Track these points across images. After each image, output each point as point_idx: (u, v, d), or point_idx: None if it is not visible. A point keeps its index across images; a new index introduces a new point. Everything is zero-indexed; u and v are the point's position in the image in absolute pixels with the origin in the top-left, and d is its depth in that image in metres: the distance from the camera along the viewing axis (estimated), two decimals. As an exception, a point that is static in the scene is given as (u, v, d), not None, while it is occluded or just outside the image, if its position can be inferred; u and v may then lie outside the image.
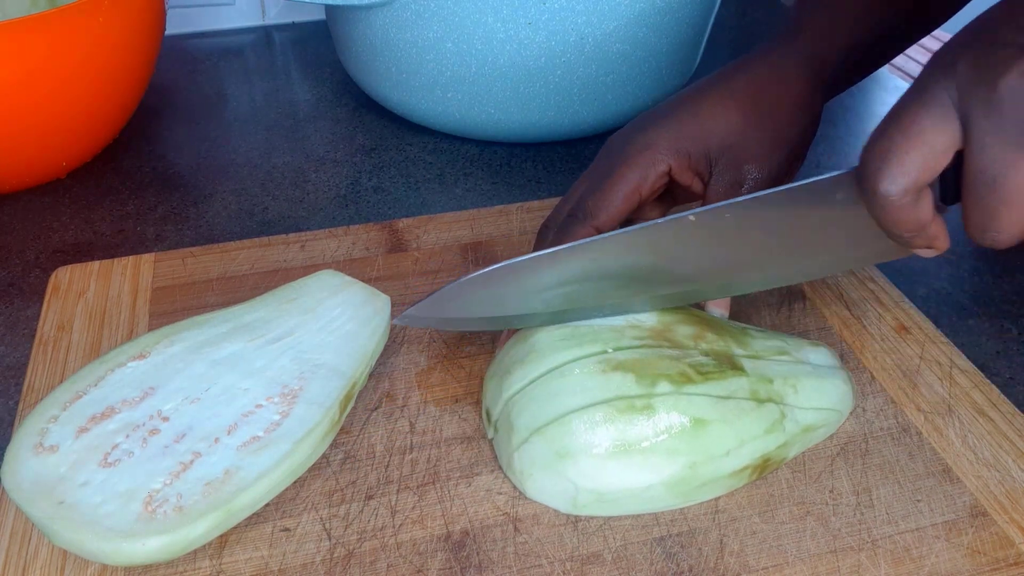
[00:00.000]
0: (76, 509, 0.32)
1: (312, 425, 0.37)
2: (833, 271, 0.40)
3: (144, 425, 0.35)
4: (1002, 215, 0.31)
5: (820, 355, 0.41)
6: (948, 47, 0.32)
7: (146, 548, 0.32)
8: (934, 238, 0.34)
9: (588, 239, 0.39)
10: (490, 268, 0.39)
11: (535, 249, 0.43)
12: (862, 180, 0.34)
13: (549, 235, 0.43)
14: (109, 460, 0.34)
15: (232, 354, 0.39)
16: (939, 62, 0.32)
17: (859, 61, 0.48)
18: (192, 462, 0.35)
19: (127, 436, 0.35)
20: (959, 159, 0.32)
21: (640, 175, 0.42)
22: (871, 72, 0.51)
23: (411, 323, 0.42)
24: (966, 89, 0.31)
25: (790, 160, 0.44)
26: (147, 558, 0.32)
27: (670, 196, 0.45)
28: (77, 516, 0.32)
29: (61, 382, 0.37)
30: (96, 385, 0.36)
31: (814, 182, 0.36)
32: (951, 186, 0.33)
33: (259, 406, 0.37)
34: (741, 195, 0.40)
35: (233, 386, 0.38)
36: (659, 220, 0.38)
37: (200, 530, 0.33)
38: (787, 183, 0.38)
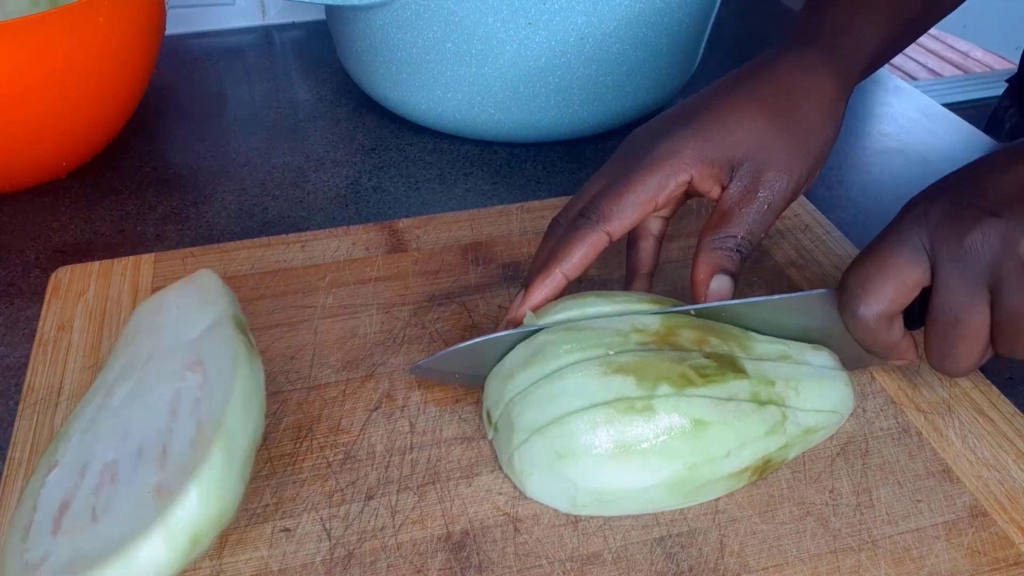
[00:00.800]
0: (103, 553, 0.31)
1: (233, 352, 0.36)
2: None
3: (102, 480, 0.34)
4: (959, 349, 0.37)
5: (821, 357, 0.41)
6: (921, 197, 0.38)
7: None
8: (904, 352, 0.39)
9: (588, 322, 0.39)
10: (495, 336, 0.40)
11: (542, 244, 0.43)
12: (842, 302, 0.38)
13: (559, 230, 0.42)
14: (97, 516, 0.32)
15: (124, 396, 0.37)
16: (913, 210, 0.37)
17: (881, 56, 0.48)
18: (166, 463, 0.33)
19: (96, 495, 0.33)
20: (924, 294, 0.37)
21: (660, 182, 0.41)
22: (884, 64, 0.51)
23: (422, 374, 0.43)
24: (936, 239, 0.36)
25: (812, 170, 0.43)
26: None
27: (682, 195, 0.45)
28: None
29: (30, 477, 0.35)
30: (36, 509, 0.34)
31: (799, 297, 0.40)
32: (916, 316, 0.38)
33: (178, 390, 0.36)
34: (756, 203, 0.42)
35: (145, 404, 0.36)
36: (661, 310, 0.40)
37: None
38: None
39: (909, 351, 0.39)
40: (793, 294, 0.40)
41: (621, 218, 0.40)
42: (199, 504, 0.31)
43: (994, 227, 0.35)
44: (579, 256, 0.40)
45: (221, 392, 0.35)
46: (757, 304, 0.40)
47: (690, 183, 0.42)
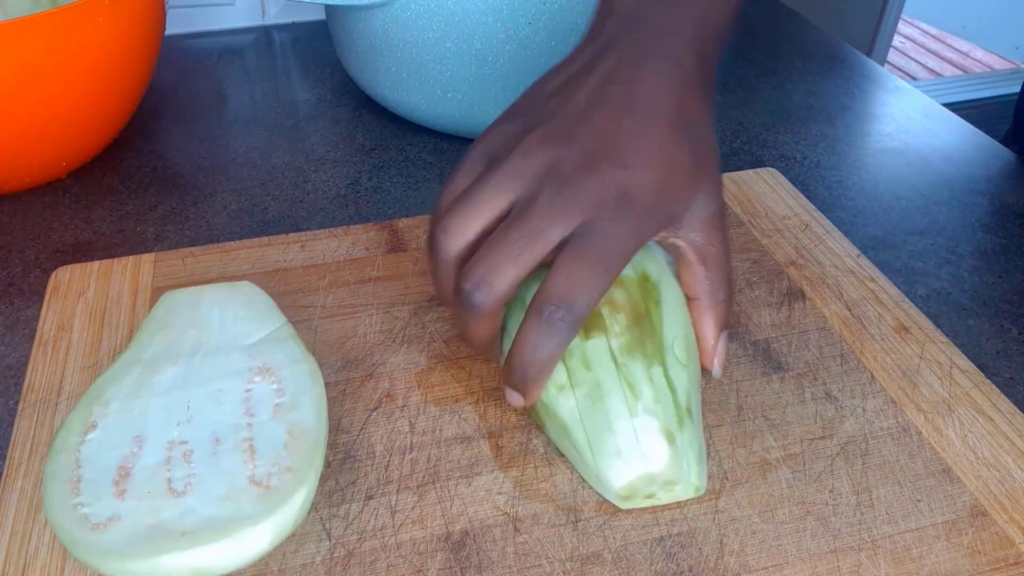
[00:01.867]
0: (207, 528, 0.33)
1: (310, 369, 0.39)
2: None
3: (172, 456, 0.35)
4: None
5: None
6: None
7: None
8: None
9: None
10: None
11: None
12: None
13: (476, 324, 0.38)
14: (176, 489, 0.34)
15: (173, 378, 0.39)
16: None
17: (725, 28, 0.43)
18: (250, 450, 0.35)
19: (169, 469, 0.35)
20: None
21: (624, 265, 0.37)
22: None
23: None
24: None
25: (721, 184, 0.41)
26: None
27: None
28: (217, 530, 0.33)
29: (52, 439, 0.36)
30: (80, 466, 0.35)
31: None
32: None
33: (248, 390, 0.38)
34: (717, 251, 0.39)
35: (207, 393, 0.38)
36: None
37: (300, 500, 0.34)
38: None
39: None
40: None
41: (592, 307, 0.36)
42: (301, 507, 0.34)
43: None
44: (557, 359, 0.37)
45: (311, 407, 0.37)
46: None
47: None
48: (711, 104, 0.41)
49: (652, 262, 0.42)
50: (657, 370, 0.38)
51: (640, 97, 0.39)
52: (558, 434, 0.39)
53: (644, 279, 0.41)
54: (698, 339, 0.41)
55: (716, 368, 0.41)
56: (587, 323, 0.39)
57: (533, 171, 0.37)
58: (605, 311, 0.39)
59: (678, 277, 0.41)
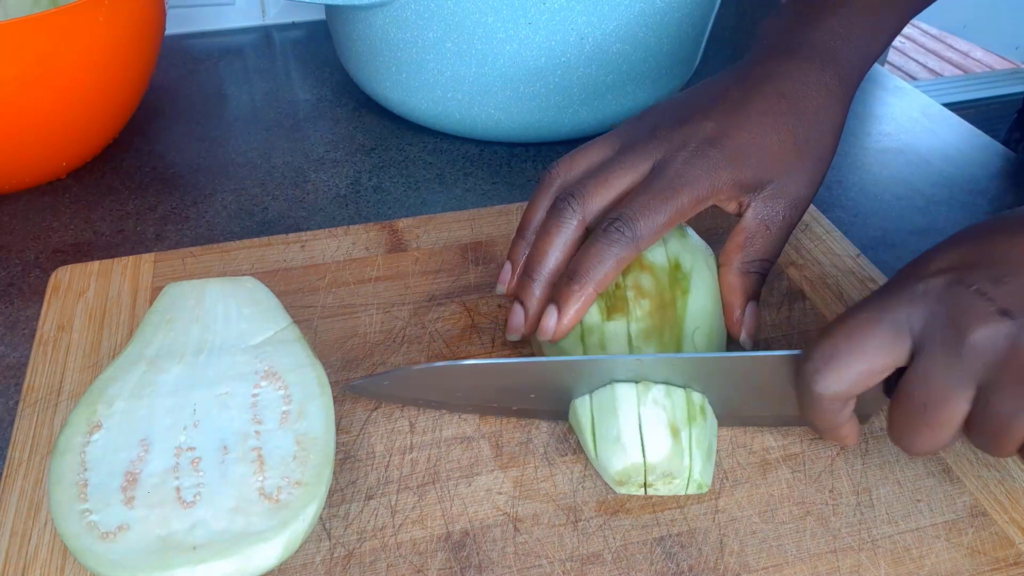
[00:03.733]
0: (218, 543, 0.32)
1: (317, 377, 0.39)
2: (758, 424, 0.41)
3: (179, 463, 0.35)
4: (923, 435, 0.33)
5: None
6: (922, 267, 0.34)
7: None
8: (845, 437, 0.36)
9: (544, 360, 0.38)
10: (441, 365, 0.39)
11: (553, 211, 0.42)
12: (801, 372, 0.35)
13: (572, 215, 0.41)
14: (185, 499, 0.34)
15: (178, 378, 0.39)
16: (909, 281, 0.33)
17: (877, 55, 0.47)
18: (259, 460, 0.35)
19: (177, 476, 0.35)
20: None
21: (694, 204, 0.40)
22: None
23: (358, 392, 0.41)
24: (933, 325, 0.32)
25: (815, 191, 0.44)
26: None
27: None
28: (227, 543, 0.32)
29: (51, 449, 0.36)
30: (86, 468, 0.35)
31: (765, 356, 0.37)
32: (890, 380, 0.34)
33: (255, 395, 0.38)
34: (778, 225, 0.42)
35: (214, 396, 0.38)
36: (612, 357, 0.38)
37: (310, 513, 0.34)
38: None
39: (851, 437, 0.37)
40: (759, 353, 0.37)
41: (652, 238, 0.40)
42: (311, 523, 0.34)
43: (1004, 329, 0.31)
44: (613, 273, 0.40)
45: (319, 416, 0.37)
46: (721, 360, 0.38)
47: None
48: (841, 113, 0.44)
49: (688, 253, 0.42)
50: None
51: (761, 77, 0.43)
52: (572, 412, 0.39)
53: (676, 268, 0.41)
54: (724, 308, 0.42)
55: (744, 337, 0.43)
56: (611, 305, 0.40)
57: (644, 130, 0.43)
58: (631, 295, 0.40)
59: (723, 246, 0.43)
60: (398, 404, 0.42)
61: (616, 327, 0.40)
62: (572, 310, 0.40)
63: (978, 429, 0.33)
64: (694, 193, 0.40)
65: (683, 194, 0.40)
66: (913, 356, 0.33)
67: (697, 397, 0.38)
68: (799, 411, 0.36)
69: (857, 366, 0.33)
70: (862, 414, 0.37)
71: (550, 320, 0.40)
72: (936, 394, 0.32)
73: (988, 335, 0.31)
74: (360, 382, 0.40)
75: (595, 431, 0.38)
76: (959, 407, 0.32)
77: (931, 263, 0.34)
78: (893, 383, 0.34)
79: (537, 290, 0.41)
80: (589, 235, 0.41)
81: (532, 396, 0.39)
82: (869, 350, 0.33)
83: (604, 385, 0.38)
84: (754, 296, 0.43)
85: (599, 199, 0.41)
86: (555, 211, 0.42)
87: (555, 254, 0.41)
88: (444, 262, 0.51)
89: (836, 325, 0.34)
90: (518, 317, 0.42)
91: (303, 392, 0.38)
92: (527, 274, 0.42)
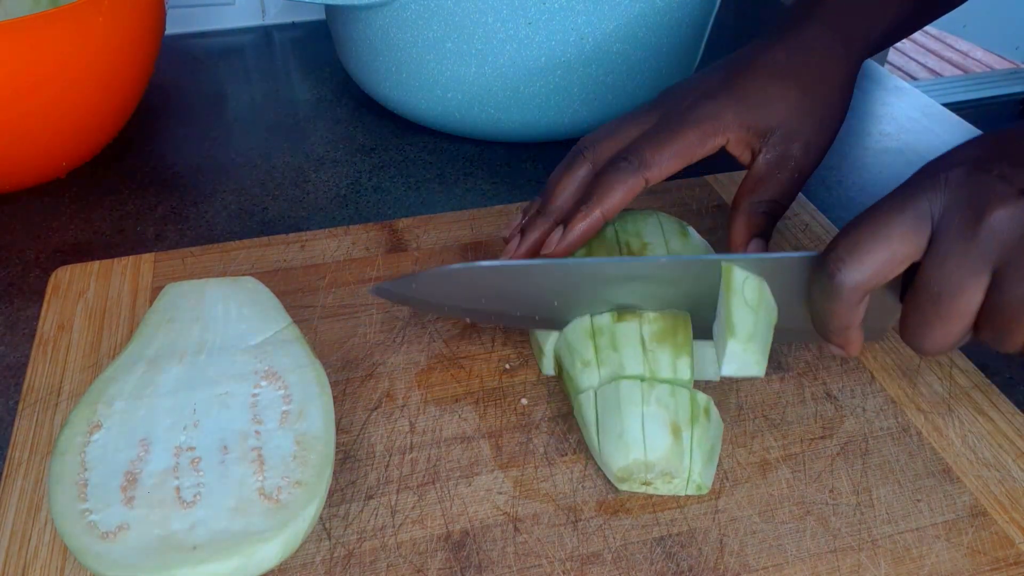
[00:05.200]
0: (218, 543, 0.32)
1: (317, 376, 0.39)
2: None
3: (179, 463, 0.35)
4: (935, 329, 0.34)
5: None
6: (942, 163, 0.34)
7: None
8: (853, 342, 0.37)
9: (570, 261, 0.40)
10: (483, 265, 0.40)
11: (566, 173, 0.43)
12: (823, 263, 0.36)
13: (583, 164, 0.43)
14: (185, 499, 0.34)
15: (178, 378, 0.39)
16: (930, 172, 0.34)
17: (889, 36, 0.49)
18: (259, 460, 0.35)
19: (177, 476, 0.35)
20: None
21: (700, 140, 0.42)
22: (899, 40, 0.52)
23: (384, 295, 0.42)
24: (953, 207, 0.33)
25: (829, 142, 0.45)
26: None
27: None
28: (229, 543, 0.33)
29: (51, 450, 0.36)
30: (86, 468, 0.35)
31: (785, 258, 0.38)
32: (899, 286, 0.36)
33: (255, 395, 0.38)
34: (788, 170, 0.43)
35: (213, 396, 0.38)
36: (634, 259, 0.40)
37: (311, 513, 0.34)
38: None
39: (856, 343, 0.37)
40: (779, 254, 0.38)
41: (660, 167, 0.41)
42: (310, 523, 0.34)
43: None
44: (619, 199, 0.41)
45: (318, 416, 0.37)
46: (739, 260, 0.39)
47: (725, 145, 0.43)
48: (846, 71, 0.45)
49: (691, 253, 0.44)
50: (684, 361, 0.39)
51: (766, 44, 0.45)
52: (578, 407, 0.40)
53: None
54: (729, 246, 0.43)
55: None
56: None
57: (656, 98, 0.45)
58: None
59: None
60: (424, 311, 0.42)
61: (628, 328, 0.40)
62: (578, 227, 0.41)
63: (989, 320, 0.33)
64: (700, 129, 0.42)
65: (689, 130, 0.42)
66: (930, 244, 0.33)
67: (702, 398, 0.38)
68: (814, 309, 0.37)
69: (880, 254, 0.34)
70: (877, 327, 0.37)
71: (555, 235, 0.42)
72: (951, 280, 0.33)
73: (1007, 215, 0.31)
74: (387, 285, 0.41)
75: (599, 427, 0.38)
76: (973, 296, 0.33)
77: (954, 156, 0.35)
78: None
79: (543, 223, 0.43)
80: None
81: (555, 304, 0.40)
82: (893, 237, 0.34)
83: (610, 382, 0.39)
84: (762, 235, 0.44)
85: (610, 148, 0.43)
86: (567, 162, 0.44)
87: (563, 195, 0.43)
88: (444, 262, 0.51)
89: (860, 218, 0.35)
90: (516, 240, 0.43)
91: (303, 392, 0.38)
92: (536, 212, 0.44)
